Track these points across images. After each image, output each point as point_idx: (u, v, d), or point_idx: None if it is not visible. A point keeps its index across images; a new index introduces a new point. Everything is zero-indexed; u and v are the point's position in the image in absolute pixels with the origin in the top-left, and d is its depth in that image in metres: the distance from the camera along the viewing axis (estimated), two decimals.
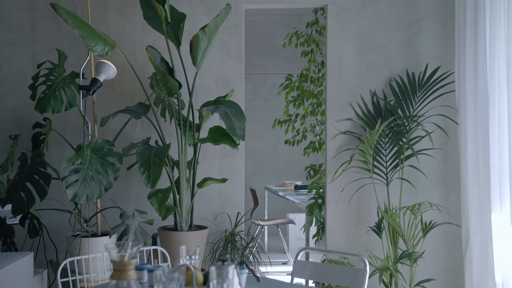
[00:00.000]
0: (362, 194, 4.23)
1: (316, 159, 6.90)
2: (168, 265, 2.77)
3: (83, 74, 3.96)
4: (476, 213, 3.66)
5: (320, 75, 5.72)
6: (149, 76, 4.24)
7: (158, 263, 3.63)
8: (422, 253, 3.87)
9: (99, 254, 2.92)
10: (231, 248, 4.08)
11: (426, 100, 4.14)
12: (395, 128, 4.09)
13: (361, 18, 4.29)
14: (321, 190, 4.92)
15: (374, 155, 4.03)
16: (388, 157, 4.10)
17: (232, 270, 1.85)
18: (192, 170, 3.91)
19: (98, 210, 3.92)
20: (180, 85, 3.73)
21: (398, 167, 4.05)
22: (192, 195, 3.90)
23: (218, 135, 3.79)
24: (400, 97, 4.17)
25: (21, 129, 4.29)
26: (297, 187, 6.66)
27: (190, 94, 3.84)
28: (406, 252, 3.76)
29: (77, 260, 2.82)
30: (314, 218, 4.97)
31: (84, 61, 3.99)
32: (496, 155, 3.50)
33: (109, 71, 3.88)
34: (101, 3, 4.33)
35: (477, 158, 3.65)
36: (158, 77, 4.01)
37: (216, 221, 4.30)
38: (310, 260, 4.98)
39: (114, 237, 3.77)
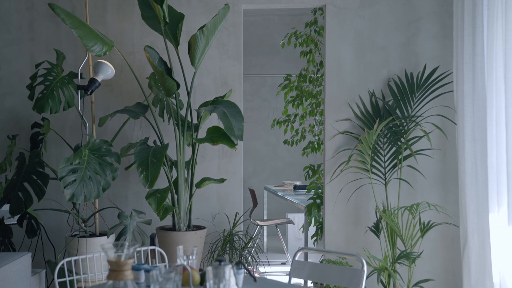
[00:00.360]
0: (361, 194, 4.23)
1: (315, 159, 6.90)
2: (165, 265, 2.76)
3: (81, 74, 3.96)
4: (474, 213, 3.66)
5: (319, 75, 5.72)
6: (147, 76, 4.24)
7: (156, 263, 3.63)
8: (420, 253, 3.87)
9: (96, 254, 2.92)
10: (230, 248, 4.08)
11: (424, 100, 4.14)
12: (394, 128, 4.09)
13: (359, 18, 4.29)
14: (319, 190, 4.92)
15: (373, 155, 4.03)
16: (386, 157, 4.10)
17: (228, 270, 1.85)
18: (190, 170, 3.91)
19: (96, 210, 3.92)
20: (178, 85, 3.73)
21: (396, 167, 4.05)
22: (191, 195, 3.90)
23: (216, 135, 3.79)
24: (399, 97, 4.17)
25: (19, 129, 4.29)
26: (296, 187, 6.66)
27: (189, 94, 3.84)
28: (404, 252, 3.76)
29: (75, 260, 2.82)
30: (313, 218, 4.97)
31: (82, 61, 3.99)
32: (493, 155, 3.50)
33: (107, 71, 3.87)
34: (99, 3, 4.33)
35: (475, 158, 3.65)
36: (156, 77, 4.01)
37: (215, 221, 4.30)
38: (309, 260, 4.98)
39: (112, 237, 3.77)
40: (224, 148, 4.30)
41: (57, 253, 4.12)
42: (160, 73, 3.64)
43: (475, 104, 3.66)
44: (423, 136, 4.02)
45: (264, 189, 7.30)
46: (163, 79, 3.67)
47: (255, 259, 4.23)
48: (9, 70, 4.35)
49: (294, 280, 2.87)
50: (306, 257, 4.99)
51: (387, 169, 4.08)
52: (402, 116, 4.13)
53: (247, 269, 2.22)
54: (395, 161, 4.05)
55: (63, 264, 2.90)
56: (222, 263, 1.89)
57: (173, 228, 3.88)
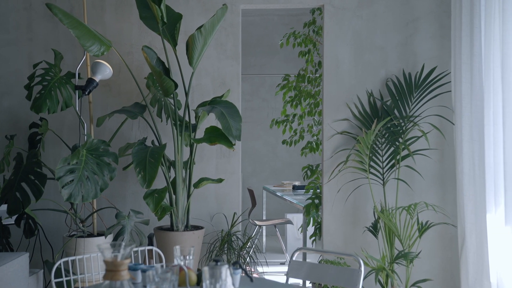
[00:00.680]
0: (359, 195, 4.23)
1: (314, 159, 6.90)
2: (162, 265, 2.76)
3: (79, 74, 3.96)
4: (472, 213, 3.66)
5: (317, 75, 5.72)
6: (145, 76, 4.24)
7: (153, 263, 3.63)
8: (418, 253, 3.86)
9: (93, 255, 2.92)
10: (228, 248, 4.08)
11: (422, 101, 4.14)
12: (392, 128, 4.09)
13: (357, 18, 4.29)
14: (318, 191, 4.92)
15: (371, 155, 4.03)
16: (384, 157, 4.10)
17: (225, 271, 1.85)
18: (188, 170, 3.91)
19: (94, 210, 3.92)
20: (176, 85, 3.73)
21: (395, 168, 4.05)
22: (188, 195, 3.90)
23: (214, 135, 3.79)
24: (397, 97, 4.17)
25: (17, 129, 4.29)
26: (295, 187, 6.66)
27: (186, 94, 3.84)
28: (402, 252, 3.76)
29: (72, 261, 2.82)
30: (311, 219, 4.96)
31: (80, 61, 3.99)
32: (491, 155, 3.51)
33: (105, 71, 3.87)
34: (97, 3, 4.33)
35: (473, 158, 3.65)
36: (154, 77, 4.00)
37: (213, 221, 4.30)
38: (307, 260, 4.97)
39: (110, 237, 3.77)
40: (222, 148, 4.30)
41: (55, 253, 4.11)
42: (158, 73, 3.64)
43: (473, 104, 3.66)
44: (421, 136, 4.02)
45: (263, 189, 7.30)
46: (161, 79, 3.67)
47: (253, 259, 4.23)
48: (7, 70, 4.35)
49: (292, 280, 2.87)
50: (304, 257, 4.99)
51: (385, 169, 4.08)
52: (400, 116, 4.13)
53: (244, 269, 2.22)
54: (393, 161, 4.05)
55: (60, 264, 2.90)
56: (219, 263, 1.89)
57: (171, 228, 3.88)
